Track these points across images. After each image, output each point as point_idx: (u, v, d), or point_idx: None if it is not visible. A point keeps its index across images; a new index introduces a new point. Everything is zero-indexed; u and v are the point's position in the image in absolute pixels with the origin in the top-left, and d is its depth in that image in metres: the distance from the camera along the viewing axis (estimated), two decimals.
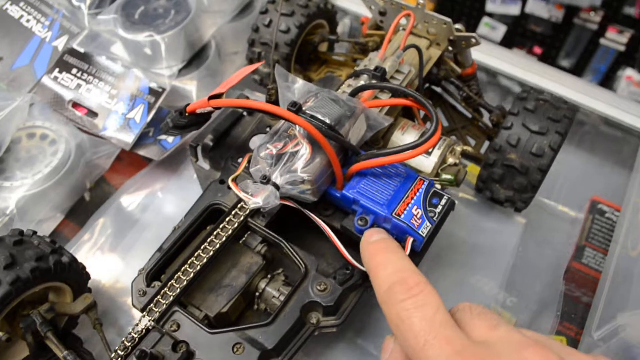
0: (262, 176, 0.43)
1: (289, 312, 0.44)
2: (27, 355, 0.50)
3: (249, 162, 0.49)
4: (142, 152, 0.63)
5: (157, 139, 0.65)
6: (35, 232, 0.49)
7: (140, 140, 0.64)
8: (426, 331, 0.32)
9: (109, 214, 0.64)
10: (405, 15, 0.54)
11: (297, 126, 0.43)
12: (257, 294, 0.47)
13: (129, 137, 0.63)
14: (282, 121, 0.45)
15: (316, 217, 0.45)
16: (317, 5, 0.65)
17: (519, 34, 2.06)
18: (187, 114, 0.47)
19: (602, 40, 1.93)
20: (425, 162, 0.51)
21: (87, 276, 0.52)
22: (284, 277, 0.48)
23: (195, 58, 0.70)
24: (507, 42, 2.07)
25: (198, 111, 0.47)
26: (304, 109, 0.44)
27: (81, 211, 0.66)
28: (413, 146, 0.43)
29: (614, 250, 0.61)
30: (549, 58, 2.08)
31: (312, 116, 0.44)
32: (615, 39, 1.91)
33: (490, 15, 2.01)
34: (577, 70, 2.04)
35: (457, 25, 0.56)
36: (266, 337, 0.43)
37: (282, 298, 0.46)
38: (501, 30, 2.04)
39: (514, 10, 1.97)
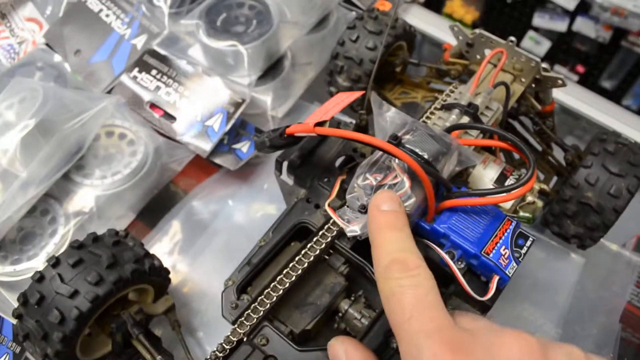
0: (361, 206, 0.47)
1: (373, 337, 0.47)
2: (108, 351, 0.54)
3: (339, 186, 0.52)
4: (218, 160, 0.67)
5: (231, 148, 0.68)
6: (128, 234, 0.53)
7: (216, 148, 0.67)
8: (414, 307, 0.34)
9: (179, 218, 0.68)
10: (497, 52, 0.57)
11: (397, 159, 0.46)
12: (339, 314, 0.50)
13: (206, 145, 0.66)
14: (380, 152, 0.48)
15: (442, 253, 0.47)
16: (403, 27, 0.68)
17: (563, 50, 2.07)
18: (286, 136, 0.50)
19: None
20: None
21: (169, 280, 0.56)
22: (365, 300, 0.51)
23: (271, 68, 0.73)
24: (551, 58, 2.08)
25: (297, 135, 0.50)
26: (403, 142, 0.47)
27: (150, 211, 0.69)
28: (507, 190, 0.46)
29: None
30: (590, 77, 2.10)
31: (411, 151, 0.47)
32: None
33: (536, 29, 2.03)
34: (618, 92, 2.06)
35: (544, 65, 0.59)
36: None
37: (364, 320, 0.49)
38: (545, 45, 2.05)
39: (561, 26, 1.99)
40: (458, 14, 2.06)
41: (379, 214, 0.41)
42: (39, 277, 0.48)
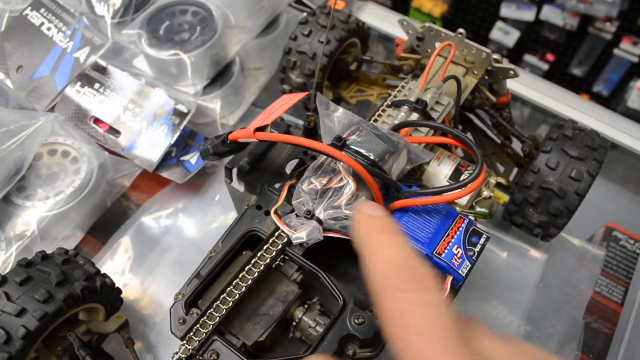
0: (307, 211, 0.47)
1: (327, 345, 0.47)
2: None
3: (288, 191, 0.52)
4: (165, 174, 0.66)
5: (179, 160, 0.68)
6: (77, 253, 0.52)
7: (163, 160, 0.67)
8: (427, 332, 0.28)
9: (130, 234, 0.67)
10: (445, 45, 0.58)
11: (341, 162, 0.46)
12: (293, 323, 0.50)
13: (153, 158, 0.66)
14: (325, 155, 0.48)
15: None
16: (357, 22, 0.68)
17: (532, 40, 2.11)
18: (228, 142, 0.50)
19: (616, 51, 1.98)
20: None
21: (121, 299, 0.55)
22: (319, 306, 0.51)
23: (219, 75, 0.73)
24: (520, 47, 2.11)
25: (240, 140, 0.50)
26: (347, 143, 0.47)
27: (101, 226, 0.69)
28: (457, 187, 0.46)
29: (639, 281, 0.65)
30: (561, 65, 2.13)
31: (356, 152, 0.47)
32: (629, 50, 1.97)
33: (504, 20, 2.06)
34: (588, 79, 2.10)
35: (496, 56, 0.59)
36: None
37: (318, 328, 0.49)
38: (514, 35, 2.08)
39: (529, 16, 2.02)
40: (426, 7, 2.08)
41: (368, 218, 0.36)
42: None
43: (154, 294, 0.63)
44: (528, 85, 0.91)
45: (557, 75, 2.15)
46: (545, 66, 2.14)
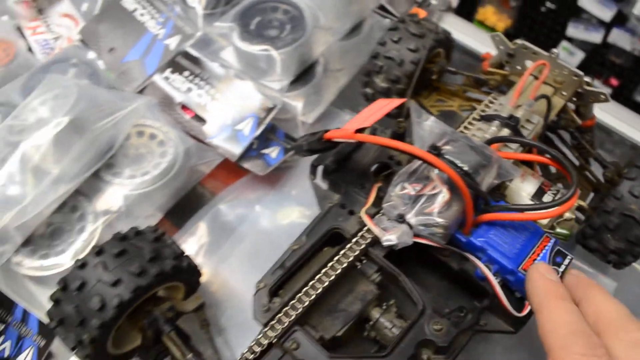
0: (398, 215, 0.48)
1: (404, 347, 0.49)
2: (136, 346, 0.56)
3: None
4: (247, 164, 0.69)
5: (260, 153, 0.70)
6: (165, 233, 0.55)
7: (245, 152, 0.69)
8: None
9: (206, 220, 0.70)
10: (539, 65, 0.58)
11: (436, 170, 0.48)
12: (370, 322, 0.52)
13: (236, 149, 0.68)
14: (420, 161, 0.50)
15: (481, 265, 0.49)
16: (444, 33, 0.70)
17: (597, 62, 2.07)
18: (324, 140, 0.52)
19: None
20: None
21: (199, 282, 0.58)
22: (396, 309, 0.53)
23: (302, 74, 0.75)
24: (584, 69, 2.07)
25: (335, 140, 0.52)
26: (442, 152, 0.49)
27: (177, 211, 0.72)
28: (550, 206, 0.47)
29: None
30: (624, 90, 2.09)
31: (451, 162, 0.48)
32: None
33: (570, 40, 2.03)
34: None
35: (587, 79, 0.60)
36: None
37: (394, 330, 0.51)
38: (579, 56, 2.06)
39: (596, 38, 1.99)
40: (490, 21, 2.07)
41: (548, 281, 0.44)
42: (82, 264, 0.50)
43: (227, 280, 0.65)
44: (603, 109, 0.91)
45: (619, 101, 2.11)
46: (608, 90, 2.10)
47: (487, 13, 2.04)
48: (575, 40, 2.03)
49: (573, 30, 2.00)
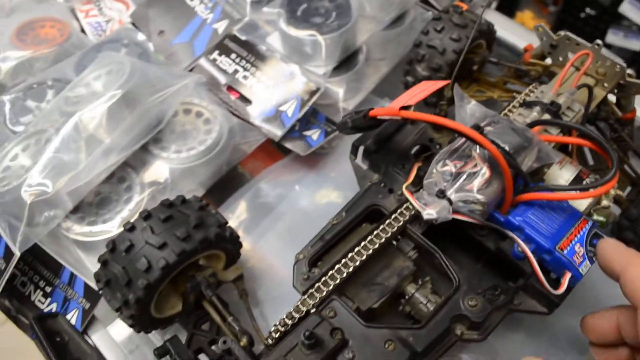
0: (439, 191, 0.50)
1: (439, 321, 0.50)
2: (177, 312, 0.58)
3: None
4: (289, 145, 0.71)
5: (302, 134, 0.72)
6: (208, 204, 0.58)
7: (287, 132, 0.72)
8: None
9: (246, 198, 0.72)
10: (582, 54, 0.60)
11: (478, 148, 0.50)
12: (405, 297, 0.54)
13: (279, 129, 0.71)
14: (461, 140, 0.52)
15: (521, 242, 0.50)
16: (487, 24, 0.71)
17: (636, 70, 2.05)
18: (369, 118, 0.54)
19: None
20: (581, 200, 0.57)
21: (240, 252, 0.61)
22: (431, 285, 0.54)
23: (345, 61, 0.77)
24: None
25: (380, 117, 0.54)
26: (484, 132, 0.50)
27: (217, 189, 0.74)
28: (589, 187, 0.48)
29: None
30: None
31: (492, 141, 0.50)
32: None
33: (609, 46, 2.01)
34: None
35: (630, 71, 0.61)
36: (416, 340, 0.49)
37: (429, 305, 0.52)
38: None
39: (636, 45, 1.97)
40: (529, 25, 2.06)
41: (623, 247, 0.47)
42: (131, 227, 0.53)
43: (264, 256, 0.68)
44: None
45: None
46: None
47: (525, 17, 2.04)
48: (614, 47, 2.01)
49: (612, 36, 1.98)
